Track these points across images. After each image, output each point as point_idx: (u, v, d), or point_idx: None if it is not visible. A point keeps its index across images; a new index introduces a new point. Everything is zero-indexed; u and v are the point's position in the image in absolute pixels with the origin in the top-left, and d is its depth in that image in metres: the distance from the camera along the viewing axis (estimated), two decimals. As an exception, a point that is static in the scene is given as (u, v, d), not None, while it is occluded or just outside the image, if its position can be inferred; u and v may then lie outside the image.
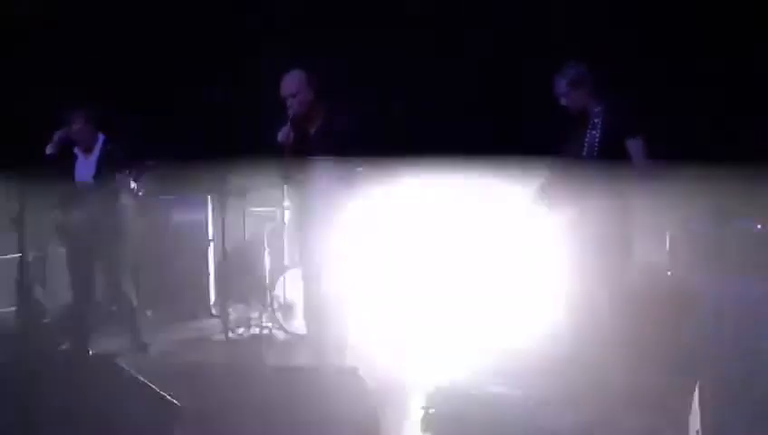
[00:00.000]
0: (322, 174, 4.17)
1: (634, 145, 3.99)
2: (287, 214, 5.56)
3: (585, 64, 4.17)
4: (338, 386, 3.28)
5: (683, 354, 4.01)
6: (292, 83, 4.22)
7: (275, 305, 5.28)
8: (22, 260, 4.07)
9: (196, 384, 3.33)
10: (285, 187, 5.24)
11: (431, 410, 3.62)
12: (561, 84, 4.12)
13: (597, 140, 4.01)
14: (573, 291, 4.07)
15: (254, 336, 5.29)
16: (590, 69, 4.17)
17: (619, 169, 3.95)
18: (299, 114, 4.20)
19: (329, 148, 4.16)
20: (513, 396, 3.65)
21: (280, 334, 5.24)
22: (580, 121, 4.10)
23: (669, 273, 4.87)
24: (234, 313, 5.55)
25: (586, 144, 4.04)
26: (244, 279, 5.69)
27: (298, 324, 5.09)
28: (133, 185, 4.48)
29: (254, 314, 5.42)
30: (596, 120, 4.02)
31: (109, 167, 4.65)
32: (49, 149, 4.73)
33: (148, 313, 5.61)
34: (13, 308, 4.76)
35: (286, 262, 5.63)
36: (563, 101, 4.13)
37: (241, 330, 5.36)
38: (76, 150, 4.82)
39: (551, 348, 4.17)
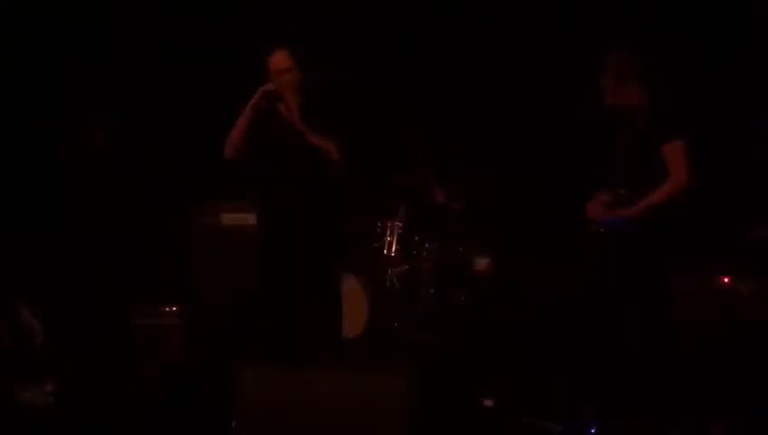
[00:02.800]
0: None
1: (669, 150, 3.69)
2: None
3: (633, 52, 3.82)
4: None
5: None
6: (285, 58, 4.10)
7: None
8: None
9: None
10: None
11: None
12: (606, 81, 3.79)
13: (635, 142, 3.73)
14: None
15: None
16: (639, 57, 3.82)
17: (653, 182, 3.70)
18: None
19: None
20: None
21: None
22: (624, 121, 3.83)
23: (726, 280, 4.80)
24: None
25: (625, 151, 3.78)
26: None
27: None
28: None
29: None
30: (637, 120, 3.74)
31: None
32: None
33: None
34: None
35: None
36: (608, 100, 3.81)
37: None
38: None
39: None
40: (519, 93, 5.94)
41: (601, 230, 3.91)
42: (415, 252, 5.94)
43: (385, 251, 5.88)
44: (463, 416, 3.90)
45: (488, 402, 3.90)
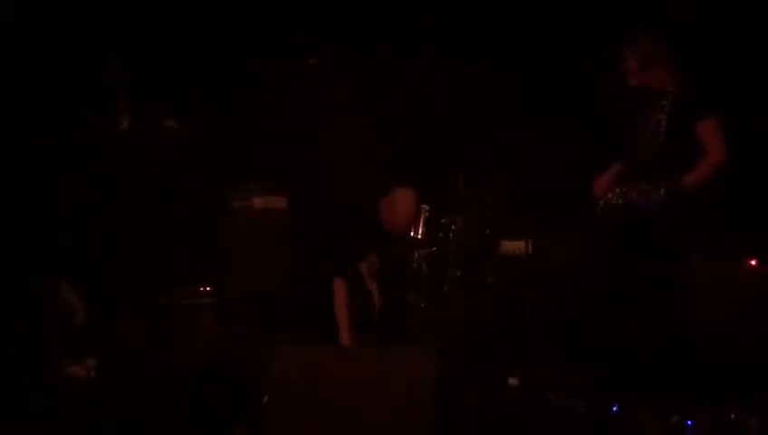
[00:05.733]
0: None
1: (704, 128, 3.65)
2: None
3: (660, 36, 3.80)
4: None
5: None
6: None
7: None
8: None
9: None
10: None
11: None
12: (632, 63, 3.77)
13: (663, 124, 3.68)
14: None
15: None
16: (665, 41, 3.79)
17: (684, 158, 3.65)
18: None
19: None
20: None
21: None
22: (649, 103, 3.79)
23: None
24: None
25: (651, 130, 3.73)
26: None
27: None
28: None
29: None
30: (664, 103, 3.69)
31: None
32: None
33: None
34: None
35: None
36: (633, 82, 3.80)
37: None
38: None
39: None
40: (542, 76, 5.96)
41: (600, 208, 3.91)
42: (441, 234, 6.01)
43: (412, 233, 5.94)
44: (488, 394, 3.97)
45: (513, 381, 3.97)
